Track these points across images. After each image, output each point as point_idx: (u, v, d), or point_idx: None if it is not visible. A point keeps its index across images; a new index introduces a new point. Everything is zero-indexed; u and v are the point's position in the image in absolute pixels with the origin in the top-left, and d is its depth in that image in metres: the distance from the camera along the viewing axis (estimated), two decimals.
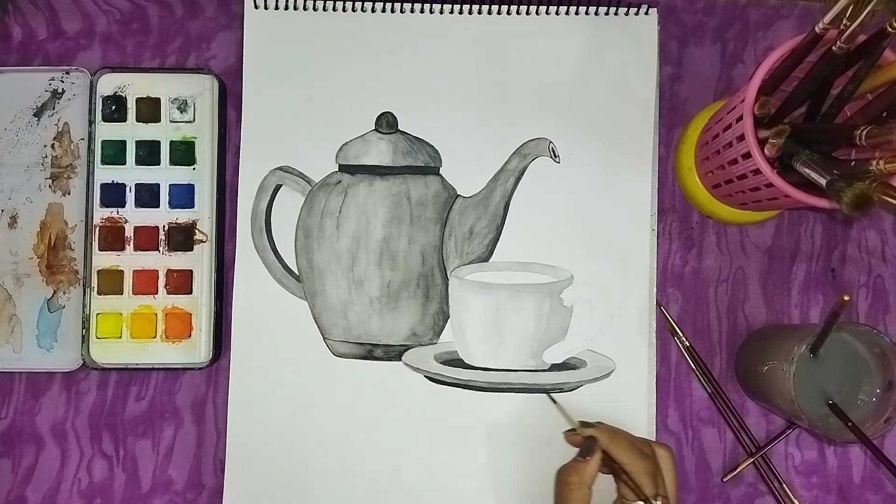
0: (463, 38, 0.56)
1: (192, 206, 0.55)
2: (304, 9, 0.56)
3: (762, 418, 0.56)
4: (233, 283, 0.55)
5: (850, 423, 0.46)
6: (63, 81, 0.56)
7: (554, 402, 0.51)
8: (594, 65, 0.56)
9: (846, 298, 0.43)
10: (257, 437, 0.54)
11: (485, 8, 0.56)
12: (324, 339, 0.55)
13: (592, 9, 0.56)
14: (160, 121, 0.55)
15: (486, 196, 0.55)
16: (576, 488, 0.45)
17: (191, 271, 0.55)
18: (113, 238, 0.55)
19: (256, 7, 0.56)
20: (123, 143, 0.55)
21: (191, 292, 0.54)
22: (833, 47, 0.41)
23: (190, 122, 0.55)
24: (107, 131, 0.55)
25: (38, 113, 0.56)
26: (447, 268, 0.55)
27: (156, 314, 0.54)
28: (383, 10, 0.56)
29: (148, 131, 0.55)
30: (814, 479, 0.56)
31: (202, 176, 0.55)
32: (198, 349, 0.54)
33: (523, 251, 0.55)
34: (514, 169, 0.55)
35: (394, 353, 0.55)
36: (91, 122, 0.55)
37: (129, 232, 0.55)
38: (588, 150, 0.55)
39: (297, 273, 0.55)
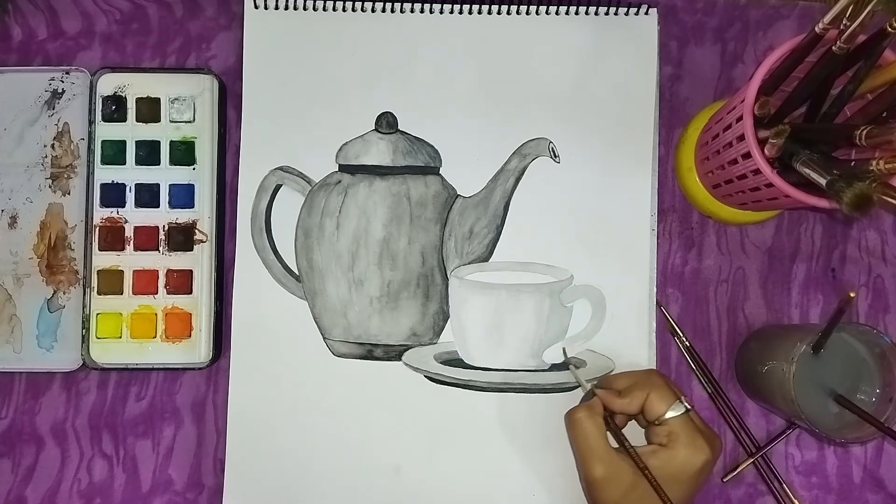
0: (463, 38, 0.56)
1: (192, 206, 0.55)
2: (304, 9, 0.56)
3: (762, 418, 0.56)
4: (233, 283, 0.55)
5: (858, 410, 0.47)
6: (63, 81, 0.56)
7: (570, 367, 0.53)
8: (594, 65, 0.56)
9: (852, 295, 0.44)
10: (257, 437, 0.54)
11: (485, 8, 0.56)
12: (324, 339, 0.55)
13: (592, 9, 0.56)
14: (160, 121, 0.55)
15: (486, 196, 0.55)
16: (587, 418, 0.47)
17: (191, 271, 0.55)
18: (113, 238, 0.55)
19: (256, 7, 0.56)
20: (123, 143, 0.55)
21: (191, 292, 0.54)
22: (833, 47, 0.41)
23: (190, 122, 0.55)
24: (107, 131, 0.55)
25: (38, 113, 0.56)
26: (447, 268, 0.55)
27: (156, 314, 0.54)
28: (383, 10, 0.56)
29: (148, 131, 0.55)
30: (814, 479, 0.56)
31: (202, 176, 0.55)
32: (198, 349, 0.54)
33: (523, 251, 0.55)
34: (514, 169, 0.55)
35: (394, 353, 0.55)
36: (91, 122, 0.55)
37: (129, 232, 0.55)
38: (588, 150, 0.55)
39: (297, 273, 0.55)
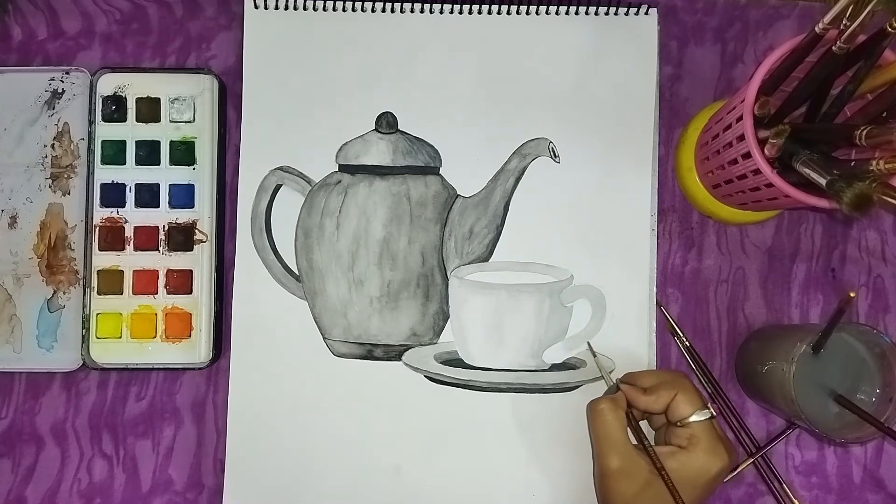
0: (463, 38, 0.56)
1: (192, 206, 0.55)
2: (304, 9, 0.56)
3: (762, 418, 0.56)
4: (233, 283, 0.55)
5: (858, 410, 0.47)
6: (63, 81, 0.56)
7: (595, 360, 0.53)
8: (594, 65, 0.56)
9: (852, 295, 0.44)
10: (257, 437, 0.54)
11: (485, 8, 0.56)
12: (324, 339, 0.55)
13: (592, 9, 0.56)
14: (160, 121, 0.55)
15: (486, 196, 0.55)
16: (610, 410, 0.48)
17: (191, 271, 0.55)
18: (113, 238, 0.55)
19: (256, 7, 0.56)
20: (123, 143, 0.55)
21: (191, 292, 0.54)
22: (833, 47, 0.41)
23: (190, 122, 0.55)
24: (107, 131, 0.55)
25: (38, 113, 0.56)
26: (447, 268, 0.55)
27: (156, 314, 0.54)
28: (383, 10, 0.56)
29: (148, 131, 0.55)
30: (814, 479, 0.56)
31: (202, 176, 0.55)
32: (198, 349, 0.54)
33: (523, 251, 0.55)
34: (514, 169, 0.55)
35: (394, 353, 0.55)
36: (91, 122, 0.55)
37: (129, 232, 0.55)
38: (588, 150, 0.55)
39: (297, 273, 0.55)
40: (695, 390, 0.48)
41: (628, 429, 0.48)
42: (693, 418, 0.47)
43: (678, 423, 0.47)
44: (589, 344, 0.54)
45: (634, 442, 0.48)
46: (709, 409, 0.47)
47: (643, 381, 0.49)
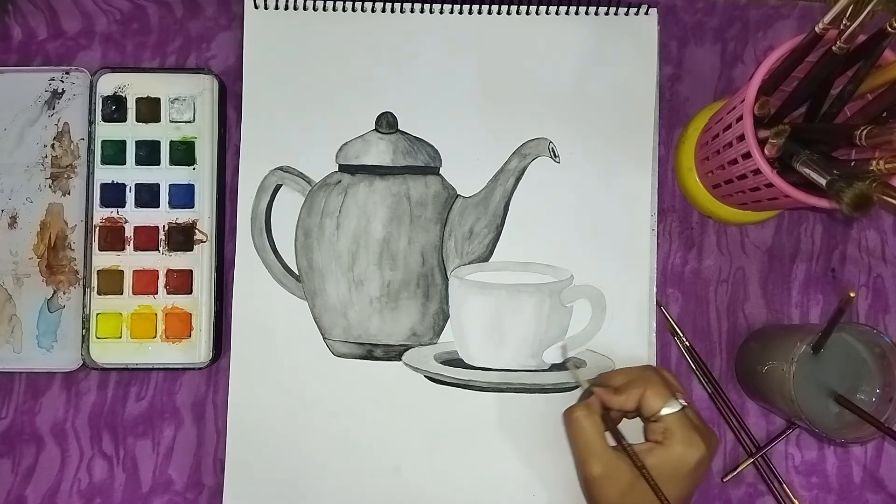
0: (463, 38, 0.56)
1: (192, 206, 0.55)
2: (304, 9, 0.56)
3: (762, 418, 0.56)
4: (233, 283, 0.55)
5: (858, 410, 0.47)
6: (63, 81, 0.56)
7: (568, 364, 0.53)
8: (594, 65, 0.56)
9: (852, 295, 0.44)
10: (257, 437, 0.54)
11: (485, 8, 0.56)
12: (324, 339, 0.55)
13: (592, 9, 0.56)
14: (160, 121, 0.55)
15: (486, 196, 0.55)
16: (585, 416, 0.47)
17: (191, 271, 0.55)
18: (113, 238, 0.55)
19: (256, 7, 0.56)
20: (123, 143, 0.55)
21: (191, 292, 0.54)
22: (833, 47, 0.41)
23: (190, 122, 0.55)
24: (107, 131, 0.55)
25: (39, 113, 0.56)
26: (447, 268, 0.55)
27: (156, 314, 0.54)
28: (383, 10, 0.56)
29: (148, 131, 0.55)
30: (814, 479, 0.56)
31: (202, 176, 0.55)
32: (198, 349, 0.54)
33: (523, 251, 0.55)
34: (514, 169, 0.55)
35: (394, 353, 0.55)
36: (91, 122, 0.55)
37: (129, 232, 0.55)
38: (588, 150, 0.55)
39: (297, 273, 0.55)
40: (663, 383, 0.47)
41: (607, 432, 0.48)
42: (664, 412, 0.46)
43: (651, 419, 0.47)
44: (563, 348, 0.53)
45: (613, 443, 0.47)
46: (678, 400, 0.47)
47: (614, 381, 0.49)
